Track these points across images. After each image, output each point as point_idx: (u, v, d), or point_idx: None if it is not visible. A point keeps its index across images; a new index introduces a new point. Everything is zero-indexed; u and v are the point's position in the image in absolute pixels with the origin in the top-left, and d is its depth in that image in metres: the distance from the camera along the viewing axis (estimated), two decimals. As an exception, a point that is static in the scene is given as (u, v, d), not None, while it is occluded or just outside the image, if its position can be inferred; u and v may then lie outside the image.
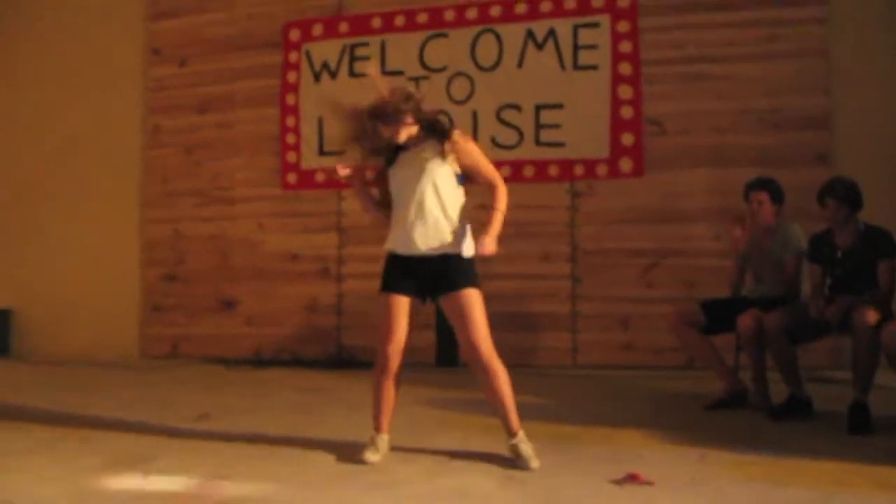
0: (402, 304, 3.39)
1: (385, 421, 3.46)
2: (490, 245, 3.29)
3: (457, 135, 3.39)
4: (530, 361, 6.11)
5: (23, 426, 4.11)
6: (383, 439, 3.44)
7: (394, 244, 3.42)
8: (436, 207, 3.32)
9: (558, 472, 3.18)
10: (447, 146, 3.35)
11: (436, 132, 3.39)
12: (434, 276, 3.35)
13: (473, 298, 3.33)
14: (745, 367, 4.54)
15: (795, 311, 4.25)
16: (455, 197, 3.38)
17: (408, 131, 3.36)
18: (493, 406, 3.38)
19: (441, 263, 3.33)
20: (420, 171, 3.34)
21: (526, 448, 3.27)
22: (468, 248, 3.37)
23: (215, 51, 7.15)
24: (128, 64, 7.38)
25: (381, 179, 3.54)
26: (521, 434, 3.32)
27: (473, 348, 3.30)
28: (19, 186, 7.59)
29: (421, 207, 3.32)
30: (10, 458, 3.45)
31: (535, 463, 3.22)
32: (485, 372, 3.31)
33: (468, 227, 3.41)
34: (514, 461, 3.25)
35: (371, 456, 3.34)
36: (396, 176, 3.43)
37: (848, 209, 4.19)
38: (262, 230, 6.97)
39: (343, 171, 3.51)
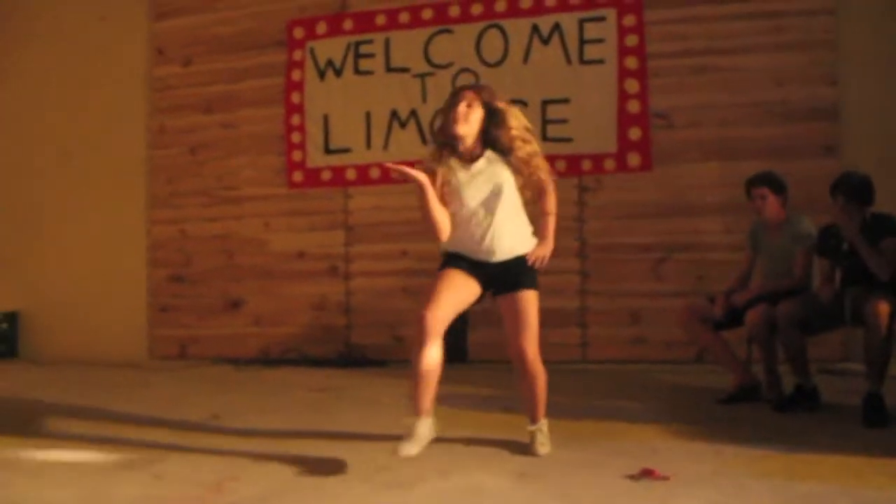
0: (460, 279, 3.26)
1: (426, 402, 3.15)
2: (545, 256, 3.33)
3: (520, 147, 3.28)
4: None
5: (32, 428, 4.10)
6: (424, 424, 3.15)
7: (456, 248, 3.33)
8: (503, 215, 3.25)
9: (573, 468, 3.15)
10: (514, 161, 3.27)
11: (497, 146, 3.29)
12: (497, 275, 3.30)
13: (532, 300, 3.29)
14: (758, 361, 4.50)
15: (808, 301, 4.22)
16: (517, 198, 3.33)
17: (473, 120, 3.25)
18: (524, 400, 3.40)
19: (504, 265, 3.29)
20: (485, 181, 3.25)
21: (542, 436, 3.37)
22: (530, 248, 3.35)
23: (219, 50, 7.13)
24: (132, 64, 7.36)
25: (439, 188, 3.31)
26: (543, 422, 3.39)
27: (522, 351, 3.28)
28: (25, 189, 7.57)
29: (490, 223, 3.24)
30: (20, 460, 3.44)
31: (543, 449, 3.33)
32: (528, 374, 3.32)
33: (529, 227, 3.39)
34: (526, 446, 3.36)
35: (408, 449, 3.06)
36: (457, 186, 3.27)
37: (857, 207, 4.15)
38: (269, 229, 6.95)
39: (412, 173, 3.22)
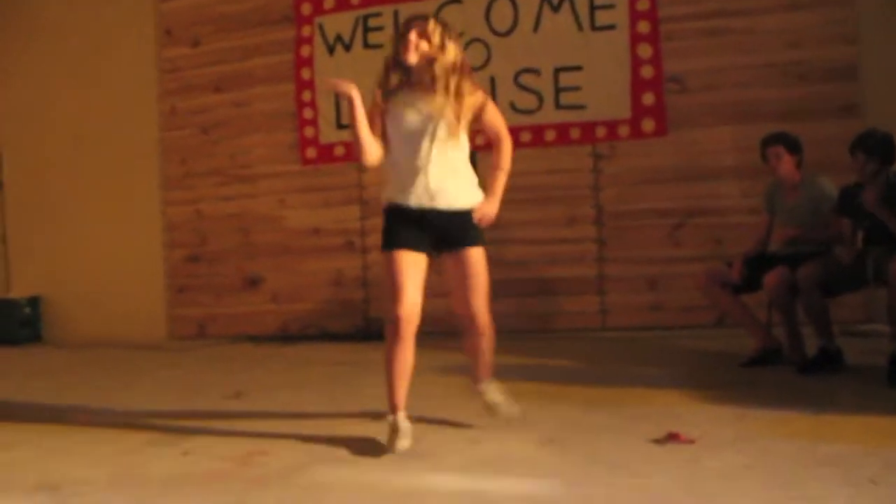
0: (411, 260, 3.10)
1: (401, 397, 3.12)
2: (490, 214, 3.19)
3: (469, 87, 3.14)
4: (559, 326, 6.09)
5: (60, 410, 4.15)
6: (402, 419, 3.10)
7: (396, 195, 3.17)
8: (446, 157, 3.11)
9: (598, 434, 3.16)
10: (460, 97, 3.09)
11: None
12: (440, 230, 3.13)
13: (480, 257, 3.17)
14: (778, 324, 4.48)
15: (829, 263, 4.19)
16: (464, 146, 3.18)
17: (424, 50, 3.08)
18: (473, 359, 3.36)
19: (448, 218, 3.12)
20: (429, 117, 3.08)
21: (495, 394, 3.37)
22: (476, 199, 3.19)
23: (227, 29, 7.08)
24: (140, 47, 7.33)
25: (379, 115, 3.21)
26: (491, 381, 3.38)
27: (472, 309, 3.19)
28: (39, 175, 7.61)
29: (429, 156, 3.08)
30: (50, 442, 3.49)
31: (513, 409, 3.35)
32: (478, 333, 3.25)
33: (476, 180, 3.24)
34: (488, 409, 3.37)
35: (402, 443, 3.03)
36: (400, 117, 3.15)
37: (878, 163, 4.10)
38: (284, 206, 6.95)
39: (336, 85, 3.25)
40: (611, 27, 6.11)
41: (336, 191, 6.78)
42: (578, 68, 6.14)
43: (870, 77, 5.62)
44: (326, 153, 6.80)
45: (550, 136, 6.21)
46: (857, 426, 3.10)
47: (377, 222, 6.80)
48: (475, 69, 6.27)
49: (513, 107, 6.15)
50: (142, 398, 4.42)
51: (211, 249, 7.18)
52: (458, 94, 3.07)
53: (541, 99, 6.21)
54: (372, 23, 6.64)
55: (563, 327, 6.08)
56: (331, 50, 6.77)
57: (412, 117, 3.11)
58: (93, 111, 7.40)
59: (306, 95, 6.84)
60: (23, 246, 7.72)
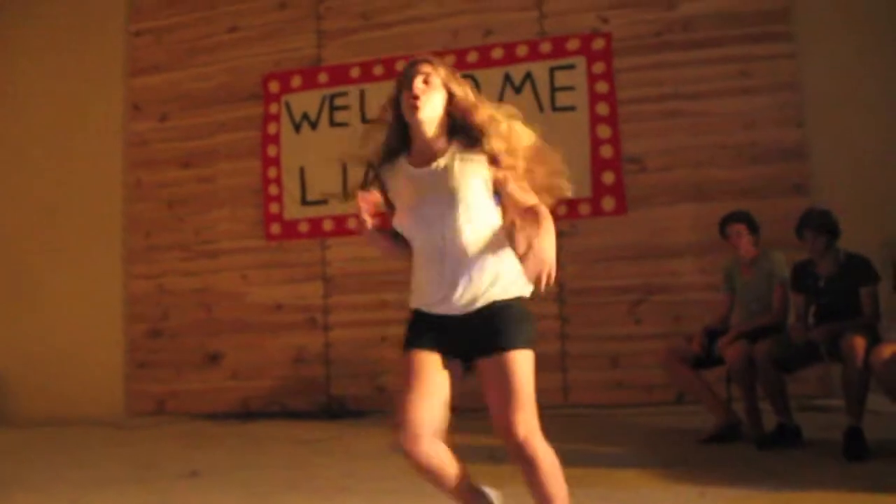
0: (427, 358, 2.40)
1: (460, 489, 2.45)
2: (545, 272, 2.24)
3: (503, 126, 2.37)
4: (522, 403, 6.07)
5: (10, 493, 4.02)
6: (494, 495, 2.55)
7: (419, 300, 2.47)
8: (480, 238, 2.35)
9: (558, 514, 3.12)
10: (487, 146, 2.34)
11: (467, 129, 2.39)
12: (470, 330, 2.38)
13: (522, 363, 2.37)
14: (739, 399, 4.53)
15: (783, 340, 4.28)
16: (493, 219, 2.41)
17: (436, 101, 2.38)
18: (532, 496, 2.44)
19: (482, 316, 2.37)
20: (444, 189, 2.33)
21: None
22: (522, 287, 2.42)
23: (196, 105, 7.17)
24: (109, 120, 7.38)
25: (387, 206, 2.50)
26: None
27: (512, 429, 2.33)
28: (5, 247, 7.52)
29: (452, 245, 2.34)
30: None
31: None
32: (526, 460, 2.37)
33: (514, 259, 2.43)
34: None
35: None
36: (410, 194, 2.41)
37: (826, 238, 4.26)
38: (247, 282, 6.93)
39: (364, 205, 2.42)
40: (571, 108, 6.29)
41: (299, 267, 6.78)
42: (540, 148, 6.28)
43: (817, 157, 5.83)
44: (291, 229, 6.83)
45: (513, 213, 6.29)
46: (815, 502, 3.11)
47: (340, 299, 6.85)
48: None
49: (476, 184, 6.25)
50: (96, 477, 4.30)
51: (172, 325, 7.10)
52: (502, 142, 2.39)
53: (503, 177, 6.32)
54: (338, 102, 6.77)
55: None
56: (297, 128, 6.87)
57: (429, 194, 2.38)
58: (57, 182, 7.37)
59: (272, 172, 6.90)
60: (-22, 319, 7.56)
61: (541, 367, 6.27)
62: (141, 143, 7.32)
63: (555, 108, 6.32)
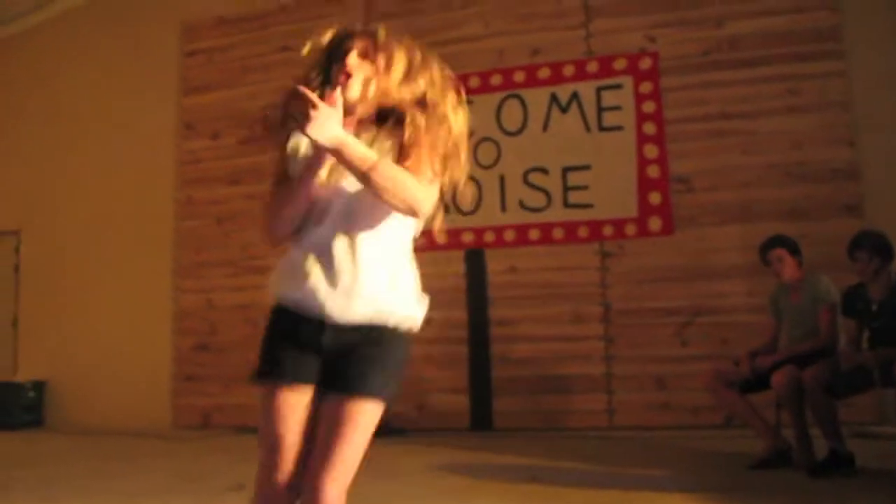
0: (293, 401, 1.97)
1: None
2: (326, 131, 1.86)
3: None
4: (566, 424, 6.02)
5: (57, 499, 4.10)
6: None
7: (286, 290, 2.04)
8: (384, 238, 1.96)
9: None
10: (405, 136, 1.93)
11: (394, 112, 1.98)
12: (338, 351, 1.94)
13: (372, 416, 1.96)
14: (788, 425, 4.44)
15: (833, 365, 4.18)
16: (406, 230, 2.03)
17: (370, 77, 2.01)
18: None
19: (367, 338, 1.95)
20: (355, 183, 1.90)
21: None
22: (411, 316, 2.04)
23: (246, 123, 7.31)
24: (162, 138, 7.57)
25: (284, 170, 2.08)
26: None
27: (320, 485, 1.88)
28: (55, 259, 7.74)
29: (350, 244, 1.92)
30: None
31: None
32: None
33: (415, 283, 2.07)
34: None
35: None
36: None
37: (879, 261, 4.16)
38: (293, 298, 6.99)
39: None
40: (618, 128, 6.27)
41: (345, 283, 6.82)
42: (586, 168, 6.28)
43: (870, 177, 5.73)
44: (337, 245, 6.88)
45: (559, 234, 6.28)
46: (867, 534, 3.04)
47: (385, 315, 6.84)
48: (486, 167, 6.45)
49: (522, 204, 6.27)
50: (142, 488, 4.37)
51: (219, 339, 7.21)
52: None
53: (549, 197, 6.33)
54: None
55: (570, 426, 6.01)
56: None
57: (327, 176, 1.99)
58: (111, 197, 7.58)
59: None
60: (33, 329, 7.79)
61: (586, 388, 6.24)
62: (193, 161, 7.48)
63: (602, 128, 6.30)
